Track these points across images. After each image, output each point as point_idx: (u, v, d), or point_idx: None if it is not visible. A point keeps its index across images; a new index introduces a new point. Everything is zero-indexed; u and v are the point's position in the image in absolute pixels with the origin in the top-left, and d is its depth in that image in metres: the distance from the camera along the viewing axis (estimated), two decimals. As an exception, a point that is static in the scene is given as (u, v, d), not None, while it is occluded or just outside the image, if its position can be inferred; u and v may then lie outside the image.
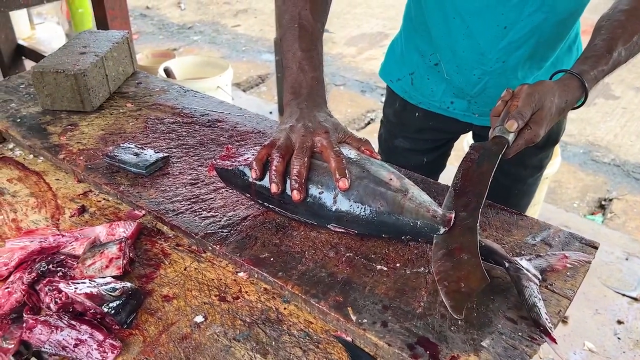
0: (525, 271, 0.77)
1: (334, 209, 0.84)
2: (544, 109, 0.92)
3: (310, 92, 0.93)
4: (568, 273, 0.80)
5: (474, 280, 0.72)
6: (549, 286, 0.78)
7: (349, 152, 0.88)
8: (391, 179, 0.84)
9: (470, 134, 1.34)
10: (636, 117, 3.66)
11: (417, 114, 1.28)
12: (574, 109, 0.99)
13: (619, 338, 1.92)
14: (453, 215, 0.82)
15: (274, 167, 0.84)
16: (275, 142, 0.87)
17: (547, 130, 0.95)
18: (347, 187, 0.82)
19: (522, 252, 0.85)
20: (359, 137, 0.92)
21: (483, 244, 0.80)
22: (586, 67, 0.96)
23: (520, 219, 0.92)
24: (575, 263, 0.82)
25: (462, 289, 0.71)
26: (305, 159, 0.84)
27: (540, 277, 0.78)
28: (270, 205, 0.89)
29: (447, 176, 1.31)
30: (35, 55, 3.19)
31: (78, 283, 0.76)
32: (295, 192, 0.82)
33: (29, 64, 3.34)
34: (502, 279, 0.79)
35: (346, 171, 0.82)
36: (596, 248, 0.85)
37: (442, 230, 0.81)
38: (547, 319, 0.71)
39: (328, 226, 0.87)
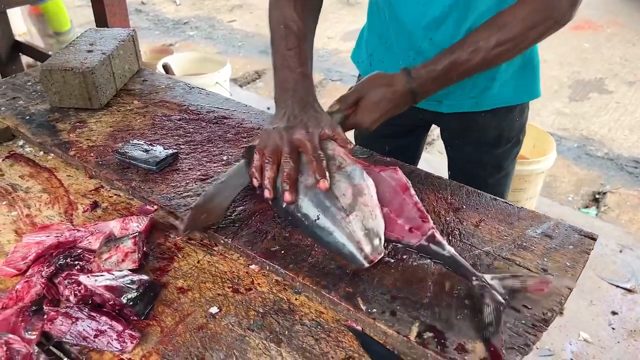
0: (490, 290, 0.75)
1: (284, 205, 0.88)
2: (366, 97, 1.01)
3: (296, 87, 0.96)
4: (568, 263, 0.84)
5: (213, 217, 0.90)
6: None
7: (330, 151, 0.91)
8: (344, 194, 0.86)
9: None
10: (629, 112, 3.71)
11: None
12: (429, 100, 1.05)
13: (613, 328, 1.96)
14: (379, 257, 0.82)
15: (266, 175, 0.89)
16: (264, 148, 0.91)
17: (378, 117, 1.02)
18: (328, 187, 0.85)
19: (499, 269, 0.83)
20: (344, 137, 0.95)
21: (453, 258, 0.81)
22: (423, 64, 1.01)
23: (520, 210, 0.95)
24: (555, 290, 0.77)
25: (201, 219, 0.89)
26: (293, 163, 0.88)
27: (505, 298, 0.75)
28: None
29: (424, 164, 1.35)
30: (32, 52, 3.19)
31: (97, 276, 0.78)
32: (286, 193, 0.87)
33: (25, 60, 3.34)
34: (504, 269, 0.82)
35: (326, 172, 0.86)
36: (594, 239, 0.89)
37: (365, 265, 0.82)
38: (502, 346, 0.70)
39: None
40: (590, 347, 1.88)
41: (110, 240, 0.88)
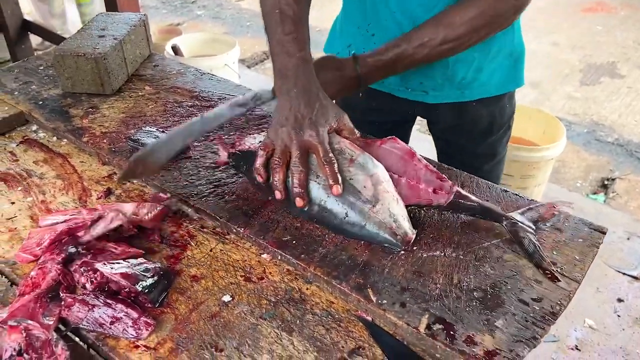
0: (521, 224, 0.87)
1: (306, 209, 0.89)
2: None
3: (297, 74, 0.94)
4: (577, 257, 0.85)
5: (149, 171, 0.98)
6: (559, 270, 0.82)
7: (337, 145, 0.91)
8: (365, 187, 0.87)
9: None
10: (641, 97, 3.67)
11: (359, 93, 1.24)
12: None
13: (618, 316, 1.97)
14: (413, 237, 0.86)
15: (276, 177, 0.89)
16: (270, 145, 0.91)
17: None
18: (340, 192, 0.86)
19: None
20: (351, 127, 0.95)
21: (482, 205, 0.88)
22: (370, 52, 1.05)
23: (530, 203, 0.96)
24: (561, 211, 0.92)
25: (138, 171, 0.95)
26: (303, 168, 0.89)
27: (534, 227, 0.88)
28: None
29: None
30: (41, 31, 3.18)
31: (113, 263, 0.80)
32: (298, 199, 0.88)
33: (34, 39, 3.34)
34: (514, 263, 0.83)
35: (338, 176, 0.87)
36: (604, 233, 0.89)
37: (402, 247, 0.85)
38: (547, 262, 0.82)
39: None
40: (595, 333, 1.90)
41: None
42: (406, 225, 0.86)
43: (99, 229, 0.87)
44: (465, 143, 1.29)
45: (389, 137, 0.94)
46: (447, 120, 1.26)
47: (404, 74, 1.16)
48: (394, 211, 0.86)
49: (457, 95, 1.19)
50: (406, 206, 0.88)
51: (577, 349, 1.84)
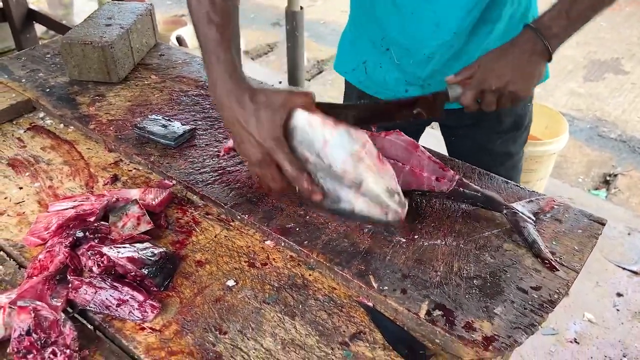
0: (521, 214, 0.89)
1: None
2: (482, 65, 0.95)
3: (224, 80, 0.86)
4: (576, 247, 0.86)
5: None
6: (557, 259, 0.83)
7: (309, 127, 0.81)
8: (345, 170, 0.79)
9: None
10: (645, 93, 3.66)
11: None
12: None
13: (617, 310, 1.99)
14: (405, 212, 0.81)
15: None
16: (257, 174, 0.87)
17: (512, 81, 0.95)
18: (320, 199, 0.81)
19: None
20: (301, 97, 0.82)
21: (484, 194, 0.90)
22: (544, 17, 0.95)
23: (532, 194, 0.97)
24: (560, 204, 0.95)
25: None
26: (282, 185, 0.82)
27: (534, 218, 0.90)
28: None
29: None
30: (47, 20, 3.19)
31: (120, 247, 0.81)
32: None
33: (38, 28, 3.35)
34: (513, 252, 0.85)
35: (312, 187, 0.80)
36: (603, 224, 0.90)
37: (397, 223, 0.81)
38: (546, 252, 0.85)
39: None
40: (594, 327, 1.91)
41: (114, 209, 0.91)
42: (396, 198, 0.80)
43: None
44: (485, 143, 1.25)
45: (393, 130, 0.94)
46: (469, 121, 1.21)
47: (429, 83, 1.13)
48: (381, 187, 0.80)
49: None
50: (410, 191, 0.89)
51: (576, 342, 1.86)
